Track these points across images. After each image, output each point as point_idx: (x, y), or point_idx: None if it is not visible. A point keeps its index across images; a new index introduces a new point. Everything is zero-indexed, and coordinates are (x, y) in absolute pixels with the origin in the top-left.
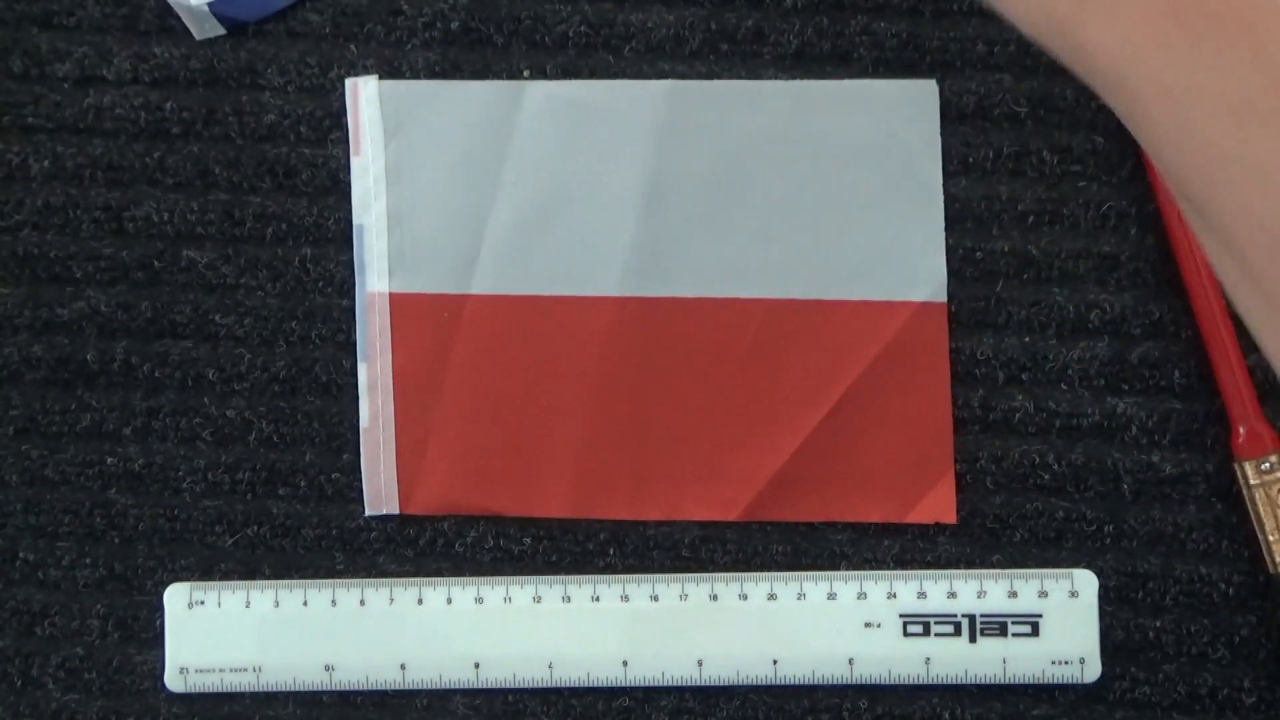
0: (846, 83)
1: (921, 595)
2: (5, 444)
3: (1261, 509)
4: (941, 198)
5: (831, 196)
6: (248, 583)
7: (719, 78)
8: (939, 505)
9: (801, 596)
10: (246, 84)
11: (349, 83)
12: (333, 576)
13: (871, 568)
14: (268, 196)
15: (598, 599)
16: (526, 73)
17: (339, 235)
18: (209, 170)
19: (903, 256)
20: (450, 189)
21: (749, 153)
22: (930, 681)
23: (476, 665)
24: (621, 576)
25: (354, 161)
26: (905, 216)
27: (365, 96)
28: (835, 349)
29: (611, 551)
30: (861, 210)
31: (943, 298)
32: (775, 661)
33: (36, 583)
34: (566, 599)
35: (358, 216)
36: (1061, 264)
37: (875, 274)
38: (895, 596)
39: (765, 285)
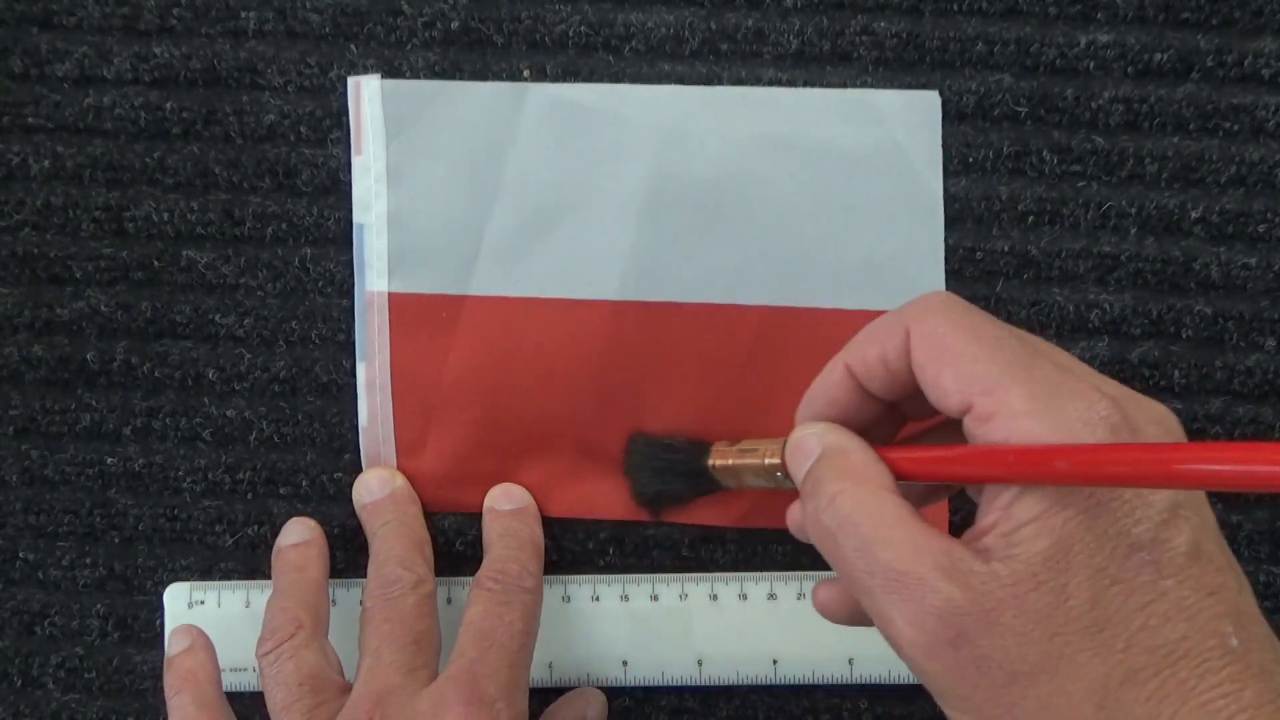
0: (848, 92)
1: None
2: (5, 444)
3: None
4: (942, 209)
5: (831, 206)
6: (248, 583)
7: (719, 78)
8: (932, 510)
9: (801, 596)
10: (246, 84)
11: (351, 81)
12: (333, 576)
13: None
14: (268, 196)
15: (598, 599)
16: (526, 73)
17: (339, 235)
18: (209, 170)
19: (902, 266)
20: (451, 189)
21: (749, 159)
22: None
23: None
24: (621, 576)
25: (355, 160)
26: (905, 227)
27: (367, 95)
28: (832, 357)
29: (611, 551)
30: (861, 220)
31: None
32: (775, 661)
33: (36, 583)
34: (566, 599)
35: (358, 215)
36: (1061, 264)
37: (874, 283)
38: None
39: (763, 292)
